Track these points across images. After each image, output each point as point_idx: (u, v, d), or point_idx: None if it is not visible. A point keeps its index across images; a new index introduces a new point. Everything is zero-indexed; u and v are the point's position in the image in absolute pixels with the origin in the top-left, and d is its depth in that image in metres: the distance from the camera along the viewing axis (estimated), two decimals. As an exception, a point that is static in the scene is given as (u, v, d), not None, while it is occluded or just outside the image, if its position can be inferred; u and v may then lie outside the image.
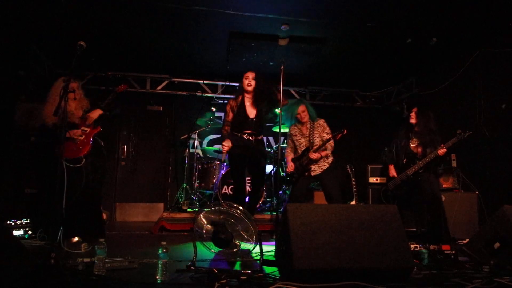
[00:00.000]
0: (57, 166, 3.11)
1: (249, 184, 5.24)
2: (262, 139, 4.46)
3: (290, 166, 4.43)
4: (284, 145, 6.44)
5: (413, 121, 4.53)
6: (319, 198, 5.45)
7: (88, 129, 3.95)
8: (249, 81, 4.22)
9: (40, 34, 5.10)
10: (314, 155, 4.21)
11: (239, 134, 4.23)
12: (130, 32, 5.14)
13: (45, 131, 3.87)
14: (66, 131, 3.77)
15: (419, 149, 4.47)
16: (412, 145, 4.52)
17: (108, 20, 4.78)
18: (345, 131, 4.15)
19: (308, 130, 4.40)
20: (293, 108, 4.38)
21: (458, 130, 4.21)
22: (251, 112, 4.26)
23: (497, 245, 2.94)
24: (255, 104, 4.25)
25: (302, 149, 4.41)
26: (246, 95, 4.29)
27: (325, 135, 4.33)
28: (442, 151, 4.23)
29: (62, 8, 4.37)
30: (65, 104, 3.06)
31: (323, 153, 4.27)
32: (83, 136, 3.90)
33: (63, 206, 3.39)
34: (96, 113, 4.00)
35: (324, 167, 4.31)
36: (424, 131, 4.42)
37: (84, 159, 3.79)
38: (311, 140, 4.34)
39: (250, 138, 4.23)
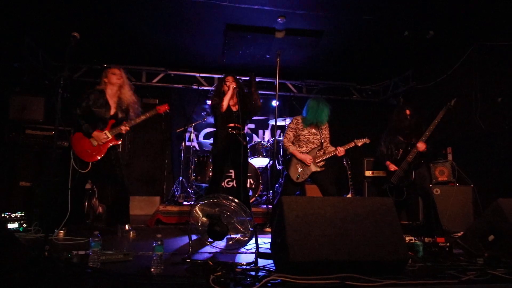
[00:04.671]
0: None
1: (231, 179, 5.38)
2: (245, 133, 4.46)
3: (309, 159, 4.34)
4: (280, 138, 6.46)
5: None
6: (312, 191, 5.44)
7: (111, 137, 3.77)
8: (230, 83, 4.26)
9: (35, 26, 5.04)
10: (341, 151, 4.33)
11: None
12: (125, 24, 5.08)
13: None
14: (83, 124, 3.74)
15: (411, 138, 4.58)
16: (400, 138, 4.65)
17: (103, 11, 4.72)
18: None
19: (319, 130, 4.44)
20: (323, 111, 4.35)
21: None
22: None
23: (491, 237, 2.96)
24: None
25: (310, 146, 4.42)
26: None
27: (327, 136, 4.52)
28: (435, 122, 4.38)
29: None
30: (57, 101, 2.78)
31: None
32: (104, 142, 3.76)
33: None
34: (124, 128, 3.78)
35: (321, 164, 4.40)
36: (410, 124, 4.59)
37: (90, 166, 3.69)
38: (322, 141, 4.42)
39: (234, 132, 4.25)
